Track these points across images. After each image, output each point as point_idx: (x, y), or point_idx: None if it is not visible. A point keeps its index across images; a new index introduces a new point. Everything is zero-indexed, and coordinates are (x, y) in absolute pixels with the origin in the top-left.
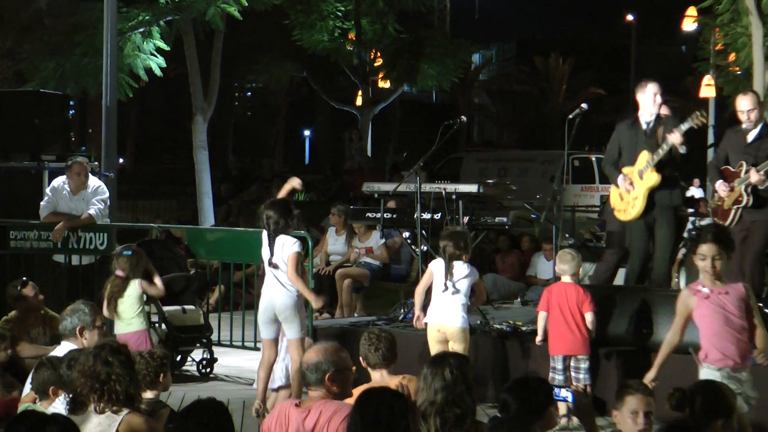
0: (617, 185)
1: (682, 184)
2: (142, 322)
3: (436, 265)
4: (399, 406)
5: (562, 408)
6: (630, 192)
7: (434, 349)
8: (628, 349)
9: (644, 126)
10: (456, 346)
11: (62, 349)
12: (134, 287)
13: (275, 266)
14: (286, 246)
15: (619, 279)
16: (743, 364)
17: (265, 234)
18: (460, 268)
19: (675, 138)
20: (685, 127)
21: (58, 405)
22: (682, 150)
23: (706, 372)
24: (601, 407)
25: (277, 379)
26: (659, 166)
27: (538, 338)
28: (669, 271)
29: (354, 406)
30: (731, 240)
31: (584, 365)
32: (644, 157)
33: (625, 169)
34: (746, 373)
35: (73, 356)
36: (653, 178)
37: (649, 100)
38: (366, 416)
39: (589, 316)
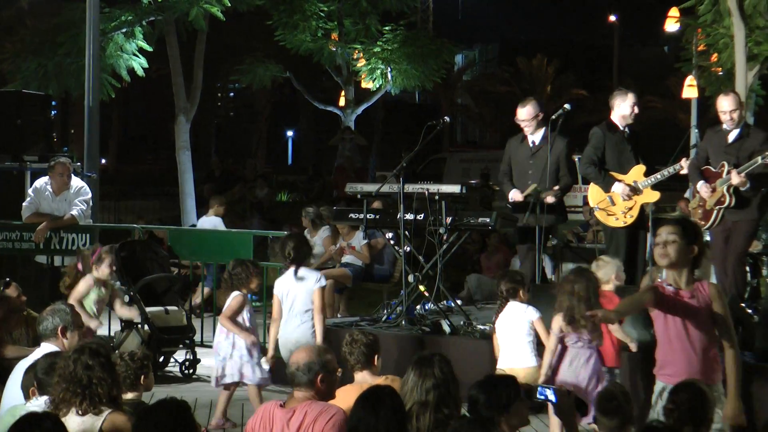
0: (608, 189)
1: None
2: None
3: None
4: (400, 406)
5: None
6: (626, 200)
7: None
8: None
9: (624, 133)
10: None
11: (42, 350)
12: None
13: None
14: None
15: None
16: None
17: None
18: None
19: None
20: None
21: (41, 403)
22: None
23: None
24: (582, 408)
25: (228, 375)
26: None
27: None
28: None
29: (361, 404)
30: (695, 230)
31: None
32: (639, 171)
33: (617, 175)
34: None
35: (51, 361)
36: (653, 196)
37: (627, 109)
38: (373, 417)
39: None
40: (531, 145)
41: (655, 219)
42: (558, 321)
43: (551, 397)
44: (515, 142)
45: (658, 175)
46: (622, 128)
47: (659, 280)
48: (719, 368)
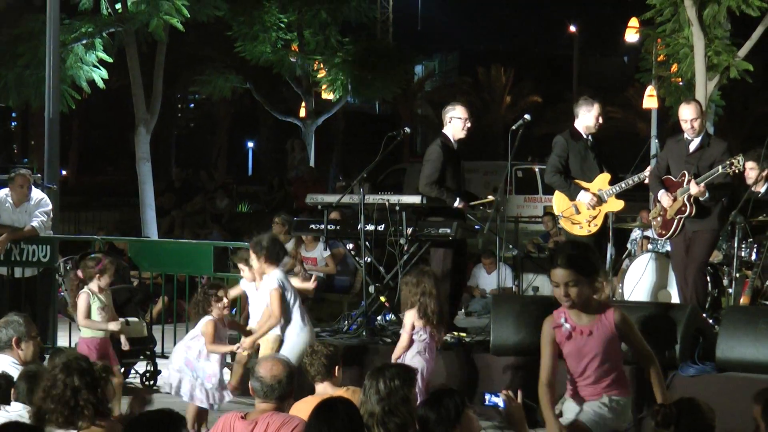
0: (573, 198)
1: None
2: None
3: None
4: (356, 416)
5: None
6: (591, 209)
7: None
8: None
9: (588, 141)
10: None
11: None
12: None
13: None
14: None
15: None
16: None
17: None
18: None
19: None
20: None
21: (19, 410)
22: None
23: (568, 405)
24: (532, 413)
25: (197, 400)
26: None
27: None
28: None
29: (315, 416)
30: (589, 262)
31: None
32: (604, 179)
33: (583, 183)
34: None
35: (33, 373)
36: (617, 205)
37: (591, 119)
38: (326, 427)
39: None
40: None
41: (616, 229)
42: (411, 317)
43: (500, 403)
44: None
45: (622, 184)
46: (585, 136)
47: (558, 316)
48: (626, 384)
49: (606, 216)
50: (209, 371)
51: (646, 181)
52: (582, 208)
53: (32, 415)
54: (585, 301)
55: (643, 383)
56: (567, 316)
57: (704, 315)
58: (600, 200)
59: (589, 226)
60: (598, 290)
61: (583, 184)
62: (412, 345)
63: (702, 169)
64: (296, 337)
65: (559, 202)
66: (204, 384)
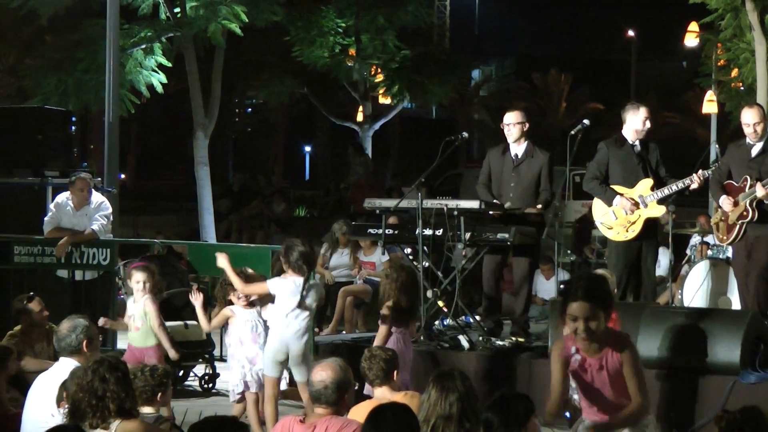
0: (610, 203)
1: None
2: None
3: None
4: (411, 421)
5: None
6: (628, 214)
7: None
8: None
9: (633, 147)
10: None
11: (62, 365)
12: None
13: (307, 308)
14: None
15: None
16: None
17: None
18: None
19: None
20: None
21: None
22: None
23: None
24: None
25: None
26: (662, 199)
27: None
28: (654, 289)
29: (366, 421)
30: (608, 294)
31: None
32: (646, 184)
33: (619, 188)
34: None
35: (74, 370)
36: (658, 211)
37: (639, 123)
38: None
39: None
40: (514, 158)
41: (675, 235)
42: (388, 310)
43: (566, 414)
44: (496, 153)
45: (665, 189)
46: (632, 142)
47: (568, 347)
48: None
49: (651, 221)
50: (251, 355)
51: (693, 186)
52: (619, 214)
53: (68, 410)
54: (599, 333)
55: (670, 391)
56: (578, 348)
57: (766, 322)
58: (638, 205)
59: (626, 231)
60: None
61: (620, 189)
62: (391, 336)
63: (764, 173)
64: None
65: (597, 208)
66: (252, 369)
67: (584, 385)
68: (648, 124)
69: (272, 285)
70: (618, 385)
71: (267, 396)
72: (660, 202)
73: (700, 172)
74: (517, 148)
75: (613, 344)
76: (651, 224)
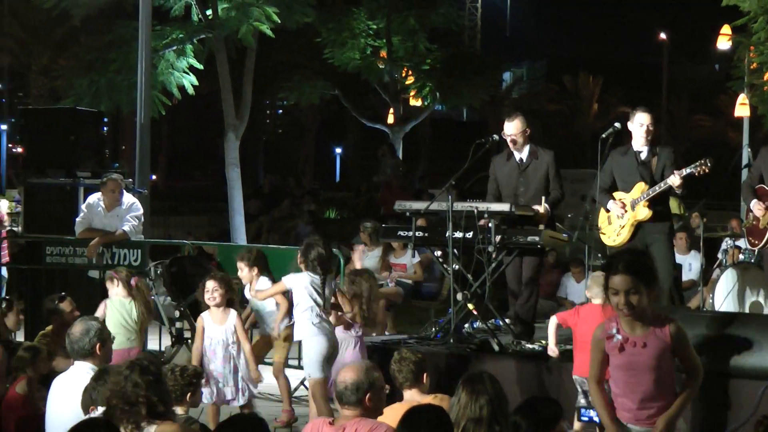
0: (607, 209)
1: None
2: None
3: None
4: (446, 423)
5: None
6: (619, 218)
7: None
8: None
9: (637, 154)
10: None
11: (77, 369)
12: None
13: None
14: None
15: None
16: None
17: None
18: None
19: (674, 180)
20: (686, 172)
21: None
22: (679, 192)
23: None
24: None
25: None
26: (652, 201)
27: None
28: (668, 291)
29: (401, 423)
30: (651, 269)
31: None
32: (639, 188)
33: (618, 194)
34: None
35: (102, 374)
36: (644, 213)
37: (635, 128)
38: None
39: None
40: (519, 162)
41: (707, 238)
42: (347, 305)
43: (595, 418)
44: (500, 160)
45: (649, 191)
46: (637, 149)
47: (609, 326)
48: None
49: (637, 226)
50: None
51: (675, 183)
52: (612, 219)
53: (103, 413)
54: (642, 310)
55: (700, 396)
56: (619, 327)
57: None
58: (632, 208)
59: (617, 236)
60: (655, 300)
61: (617, 194)
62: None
63: None
64: (307, 341)
65: (600, 215)
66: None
67: (623, 366)
68: (645, 129)
69: (288, 281)
70: (661, 366)
71: (314, 396)
72: (651, 205)
73: (682, 169)
74: (521, 153)
75: (659, 323)
76: (643, 226)
